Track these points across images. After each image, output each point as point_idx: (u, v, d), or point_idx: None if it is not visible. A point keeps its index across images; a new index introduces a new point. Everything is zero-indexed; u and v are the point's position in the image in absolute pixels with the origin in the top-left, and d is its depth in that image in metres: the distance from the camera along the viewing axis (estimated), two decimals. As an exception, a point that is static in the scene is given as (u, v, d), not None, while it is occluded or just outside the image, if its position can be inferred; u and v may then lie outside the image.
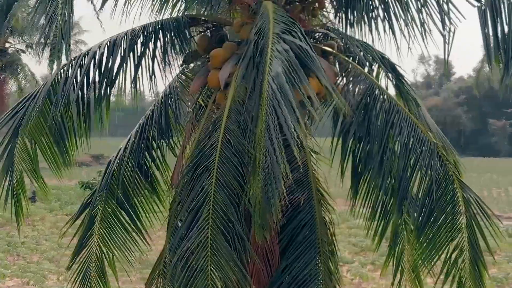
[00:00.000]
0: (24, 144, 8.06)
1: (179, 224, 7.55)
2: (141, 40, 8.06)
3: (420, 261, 7.59)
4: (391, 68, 8.88)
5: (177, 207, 7.62)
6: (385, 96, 7.88)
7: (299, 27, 6.51)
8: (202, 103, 8.33)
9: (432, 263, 7.32)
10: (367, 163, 8.09)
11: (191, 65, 8.63)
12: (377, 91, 7.91)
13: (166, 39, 8.10)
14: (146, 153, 8.33)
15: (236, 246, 6.94)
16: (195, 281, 6.77)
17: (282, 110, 5.73)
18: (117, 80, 8.02)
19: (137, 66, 8.02)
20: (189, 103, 8.43)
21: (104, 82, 8.00)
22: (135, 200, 8.44)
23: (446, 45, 7.10)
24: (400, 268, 8.68)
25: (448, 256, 7.23)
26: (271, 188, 5.73)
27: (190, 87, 8.13)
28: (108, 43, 8.03)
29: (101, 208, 8.28)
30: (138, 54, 8.05)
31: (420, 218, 7.33)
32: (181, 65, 8.48)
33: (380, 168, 7.86)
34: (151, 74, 8.15)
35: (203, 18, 8.30)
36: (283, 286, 7.56)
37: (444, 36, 7.12)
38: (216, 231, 6.84)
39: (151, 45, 8.07)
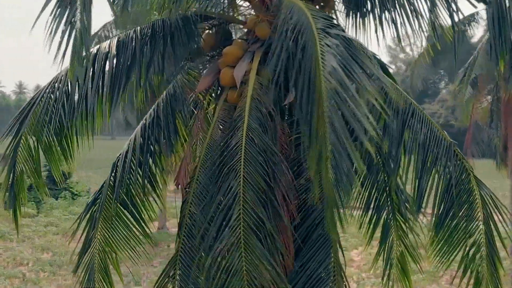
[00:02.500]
0: (26, 144, 7.79)
1: (190, 223, 7.48)
2: (152, 38, 7.87)
3: (437, 258, 7.72)
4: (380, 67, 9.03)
5: (189, 207, 7.53)
6: None
7: (337, 21, 6.55)
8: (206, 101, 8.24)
9: (450, 259, 7.50)
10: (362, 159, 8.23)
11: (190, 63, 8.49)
12: None
13: (176, 37, 7.93)
14: (147, 153, 8.15)
15: (268, 245, 6.90)
16: (231, 283, 6.70)
17: (346, 105, 5.70)
18: (129, 79, 7.81)
19: (149, 65, 7.82)
20: (193, 101, 8.28)
21: (117, 82, 7.78)
22: (137, 199, 8.27)
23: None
24: (389, 263, 8.88)
25: (465, 252, 7.41)
26: (342, 184, 5.70)
27: (197, 85, 7.96)
28: (117, 42, 7.82)
29: (104, 209, 8.07)
30: (149, 53, 7.85)
31: (438, 215, 7.48)
32: (184, 63, 8.31)
33: (373, 165, 8.04)
34: (162, 73, 7.97)
35: (208, 15, 8.17)
36: (298, 285, 7.55)
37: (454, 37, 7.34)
38: (248, 231, 6.78)
39: (161, 43, 7.88)
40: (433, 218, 7.53)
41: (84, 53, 6.74)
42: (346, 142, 5.59)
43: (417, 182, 7.66)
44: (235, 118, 7.28)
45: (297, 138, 7.55)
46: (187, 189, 7.67)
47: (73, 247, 23.65)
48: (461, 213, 7.42)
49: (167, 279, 7.78)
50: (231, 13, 8.32)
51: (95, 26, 35.62)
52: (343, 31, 6.44)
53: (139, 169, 8.04)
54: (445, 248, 7.53)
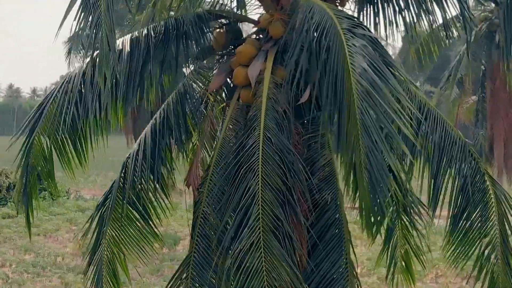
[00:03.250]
0: (40, 144, 7.69)
1: (204, 223, 7.43)
2: (165, 36, 7.82)
3: (452, 257, 7.74)
4: None
5: (203, 208, 7.47)
6: None
7: (360, 21, 6.54)
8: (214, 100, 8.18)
9: (465, 259, 7.51)
10: None
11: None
12: None
13: (188, 36, 7.87)
14: (156, 153, 8.08)
15: (286, 246, 6.87)
16: (251, 283, 6.65)
17: (380, 107, 5.68)
18: (143, 78, 7.75)
19: (162, 63, 7.76)
20: (204, 101, 8.22)
21: (131, 81, 7.71)
22: (145, 199, 8.21)
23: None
24: (393, 262, 8.90)
25: (481, 252, 7.43)
26: (378, 187, 5.69)
27: (209, 85, 7.91)
28: (130, 41, 7.75)
29: (113, 209, 8.00)
30: (162, 52, 7.79)
31: (453, 215, 7.50)
32: (193, 62, 8.26)
33: None
34: (175, 71, 7.92)
35: (220, 13, 8.12)
36: (312, 285, 7.53)
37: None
38: (267, 231, 6.76)
39: (174, 42, 7.83)
40: (448, 218, 7.54)
41: (112, 58, 6.73)
42: (381, 145, 5.58)
43: (432, 182, 7.67)
44: (251, 117, 7.24)
45: (310, 137, 7.54)
46: (200, 190, 7.60)
47: (56, 248, 23.41)
48: (476, 212, 7.44)
49: (179, 281, 7.69)
50: (240, 12, 8.28)
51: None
52: (369, 30, 6.43)
53: (148, 169, 7.96)
54: (460, 248, 7.55)
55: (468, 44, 8.93)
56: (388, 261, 8.84)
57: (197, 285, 7.48)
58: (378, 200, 5.80)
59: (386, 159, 5.65)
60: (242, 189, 6.92)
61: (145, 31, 7.82)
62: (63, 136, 7.78)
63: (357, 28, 6.33)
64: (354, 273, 7.70)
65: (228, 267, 6.78)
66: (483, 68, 23.08)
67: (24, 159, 7.86)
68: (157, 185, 8.20)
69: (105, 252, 8.20)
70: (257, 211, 6.76)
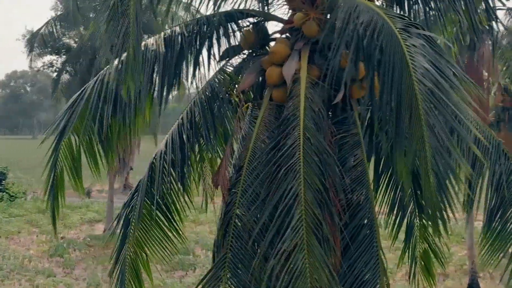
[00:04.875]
0: (69, 142, 7.54)
1: (238, 224, 7.34)
2: (198, 35, 7.72)
3: (487, 256, 7.79)
4: None
5: (237, 208, 7.38)
6: None
7: (412, 20, 6.54)
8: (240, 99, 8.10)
9: (500, 256, 7.57)
10: (389, 159, 8.32)
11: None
12: None
13: (220, 34, 7.78)
14: (185, 153, 7.98)
15: (324, 247, 6.82)
16: (295, 284, 6.57)
17: (446, 108, 5.67)
18: (177, 77, 7.64)
19: (195, 62, 7.66)
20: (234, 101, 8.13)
21: (165, 79, 7.59)
22: (169, 199, 8.10)
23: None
24: (414, 261, 8.97)
25: (516, 251, 7.52)
26: (445, 189, 5.68)
27: (240, 84, 7.82)
28: (164, 40, 7.64)
29: (138, 210, 7.86)
30: (196, 50, 7.69)
31: (489, 213, 7.54)
32: (219, 61, 8.16)
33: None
34: (208, 70, 7.83)
35: (248, 12, 8.03)
36: (346, 286, 7.49)
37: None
38: (309, 232, 6.69)
39: (207, 40, 7.74)
40: (484, 216, 7.59)
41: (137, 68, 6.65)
42: (449, 145, 5.58)
43: (467, 180, 7.70)
44: (288, 117, 7.17)
45: (342, 137, 7.51)
46: (233, 190, 7.50)
47: (19, 250, 22.95)
48: (511, 211, 7.50)
49: (213, 282, 7.56)
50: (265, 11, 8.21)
51: (38, 24, 34.76)
52: (423, 29, 6.42)
53: (178, 171, 7.87)
54: (495, 244, 7.61)
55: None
56: (409, 261, 8.90)
57: (233, 285, 7.37)
58: (445, 201, 5.81)
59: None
60: (282, 189, 6.85)
61: (178, 30, 7.70)
62: (92, 135, 7.64)
63: (411, 27, 6.32)
64: (385, 275, 7.69)
65: (272, 267, 6.69)
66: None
67: (52, 157, 7.70)
68: (182, 187, 8.08)
69: (129, 253, 8.06)
70: (300, 212, 6.69)
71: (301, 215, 6.68)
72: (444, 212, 5.94)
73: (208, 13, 7.99)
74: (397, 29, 6.25)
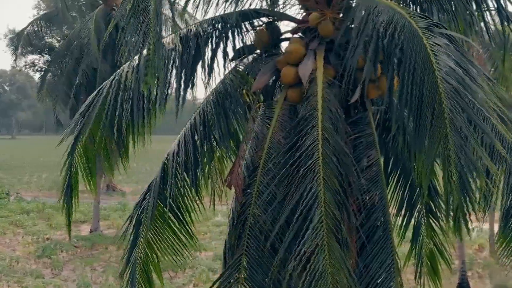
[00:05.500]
0: (84, 141, 7.48)
1: (254, 224, 7.29)
2: (214, 34, 7.67)
3: (504, 254, 7.78)
4: None
5: (252, 209, 7.33)
6: None
7: (434, 20, 6.54)
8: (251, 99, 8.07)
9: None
10: (398, 159, 8.35)
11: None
12: None
13: (235, 34, 7.74)
14: (192, 154, 7.92)
15: (343, 248, 6.80)
16: (317, 285, 6.54)
17: (471, 107, 5.66)
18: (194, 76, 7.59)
19: (211, 61, 7.60)
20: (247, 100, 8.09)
21: (182, 79, 7.53)
22: (181, 201, 8.03)
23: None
24: (420, 261, 8.99)
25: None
26: (468, 186, 5.66)
27: (254, 84, 7.77)
28: (180, 39, 7.58)
29: (150, 211, 7.79)
30: (212, 49, 7.64)
31: (505, 213, 7.52)
32: (231, 60, 8.10)
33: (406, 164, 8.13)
34: (224, 70, 7.78)
35: (262, 12, 7.99)
36: (361, 287, 7.46)
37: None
38: (329, 233, 6.67)
39: (223, 40, 7.69)
40: (500, 215, 7.58)
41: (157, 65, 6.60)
42: (474, 144, 5.56)
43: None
44: (305, 117, 7.14)
45: (356, 138, 7.48)
46: (248, 191, 7.45)
47: (5, 251, 22.67)
48: None
49: (229, 283, 7.51)
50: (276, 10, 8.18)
51: (23, 23, 34.53)
52: (445, 28, 6.41)
53: (191, 171, 7.81)
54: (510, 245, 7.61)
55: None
56: (415, 261, 8.92)
57: (250, 286, 7.32)
58: (467, 199, 5.79)
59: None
60: (301, 190, 6.82)
61: (193, 29, 7.64)
62: (107, 135, 7.58)
63: (434, 27, 6.32)
64: (399, 274, 7.68)
65: (293, 268, 6.65)
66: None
67: (69, 157, 7.63)
68: (194, 188, 8.03)
69: (140, 254, 7.99)
70: (320, 212, 6.67)
71: (321, 216, 6.65)
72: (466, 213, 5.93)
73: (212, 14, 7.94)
74: (420, 28, 6.25)
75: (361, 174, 7.43)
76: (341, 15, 7.49)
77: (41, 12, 40.34)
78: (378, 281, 7.41)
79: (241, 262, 7.39)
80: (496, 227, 8.03)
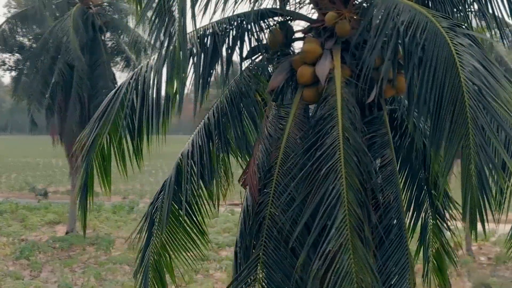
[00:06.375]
0: (101, 142, 7.41)
1: (271, 224, 7.27)
2: (230, 33, 7.64)
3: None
4: None
5: (270, 208, 7.31)
6: None
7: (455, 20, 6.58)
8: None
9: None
10: (406, 159, 8.41)
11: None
12: None
13: (250, 33, 7.72)
14: (203, 155, 7.89)
15: (366, 248, 6.82)
16: (342, 285, 6.54)
17: (494, 107, 5.71)
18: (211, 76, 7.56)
19: (228, 60, 7.58)
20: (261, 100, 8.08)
21: (200, 79, 7.50)
22: (193, 202, 8.01)
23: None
24: (427, 260, 9.06)
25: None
26: (488, 189, 5.71)
27: (269, 83, 7.74)
28: (198, 38, 7.54)
29: (165, 212, 7.75)
30: (229, 50, 7.62)
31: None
32: (244, 60, 8.07)
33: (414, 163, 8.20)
34: (240, 68, 7.74)
35: (276, 11, 7.96)
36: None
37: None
38: (353, 232, 6.68)
39: (240, 39, 7.67)
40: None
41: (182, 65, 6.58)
42: (496, 143, 5.62)
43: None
44: (324, 116, 7.13)
45: (371, 137, 7.51)
46: (265, 190, 7.44)
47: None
48: None
49: (246, 284, 7.48)
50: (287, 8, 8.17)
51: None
52: (467, 29, 6.46)
53: (207, 171, 7.79)
54: None
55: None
56: (423, 259, 8.98)
57: (268, 286, 7.30)
58: (486, 198, 5.85)
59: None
60: (323, 190, 6.81)
61: (210, 29, 7.61)
62: (122, 135, 7.54)
63: (456, 27, 6.37)
64: (413, 274, 7.72)
65: (317, 268, 6.65)
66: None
67: (86, 156, 7.57)
68: (209, 190, 8.03)
69: (152, 254, 7.96)
70: (344, 212, 6.68)
71: (345, 215, 6.66)
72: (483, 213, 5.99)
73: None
74: (443, 28, 6.29)
75: (376, 174, 7.47)
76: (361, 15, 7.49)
77: (12, 11, 39.80)
78: (393, 282, 7.44)
79: (258, 262, 7.37)
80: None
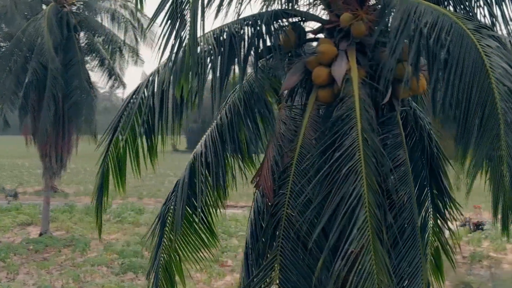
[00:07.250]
0: (117, 145, 7.35)
1: (288, 225, 7.25)
2: (246, 35, 7.59)
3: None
4: None
5: (286, 209, 7.28)
6: None
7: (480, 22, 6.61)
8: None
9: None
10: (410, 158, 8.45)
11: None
12: None
13: (265, 34, 7.68)
14: (222, 155, 7.85)
15: (384, 248, 6.84)
16: (364, 285, 6.54)
17: None
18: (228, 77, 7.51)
19: (245, 61, 7.53)
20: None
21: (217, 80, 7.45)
22: (203, 202, 7.96)
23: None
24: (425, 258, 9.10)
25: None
26: None
27: (284, 84, 7.72)
28: (215, 39, 7.48)
29: (179, 214, 7.69)
30: (245, 50, 7.57)
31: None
32: (258, 60, 8.01)
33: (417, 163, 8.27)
34: (256, 69, 7.70)
35: (290, 12, 7.93)
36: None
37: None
38: (373, 233, 6.69)
39: (255, 40, 7.63)
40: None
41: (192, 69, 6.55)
42: None
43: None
44: (342, 117, 7.13)
45: (385, 138, 7.52)
46: (280, 191, 7.41)
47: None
48: None
49: (262, 284, 7.43)
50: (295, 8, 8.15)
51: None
52: (492, 30, 6.50)
53: (220, 171, 7.76)
54: None
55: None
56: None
57: (285, 287, 7.28)
58: None
59: None
60: (343, 191, 6.81)
61: (226, 29, 7.55)
62: (139, 137, 7.48)
63: (482, 29, 6.40)
64: (426, 274, 7.75)
65: (339, 269, 6.64)
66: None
67: (103, 158, 7.51)
68: (223, 191, 8.01)
69: (163, 255, 7.91)
70: (365, 213, 6.69)
71: (366, 217, 6.66)
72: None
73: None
74: (469, 30, 6.32)
75: (390, 174, 7.49)
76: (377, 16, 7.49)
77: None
78: (405, 283, 7.46)
79: (275, 263, 7.34)
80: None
